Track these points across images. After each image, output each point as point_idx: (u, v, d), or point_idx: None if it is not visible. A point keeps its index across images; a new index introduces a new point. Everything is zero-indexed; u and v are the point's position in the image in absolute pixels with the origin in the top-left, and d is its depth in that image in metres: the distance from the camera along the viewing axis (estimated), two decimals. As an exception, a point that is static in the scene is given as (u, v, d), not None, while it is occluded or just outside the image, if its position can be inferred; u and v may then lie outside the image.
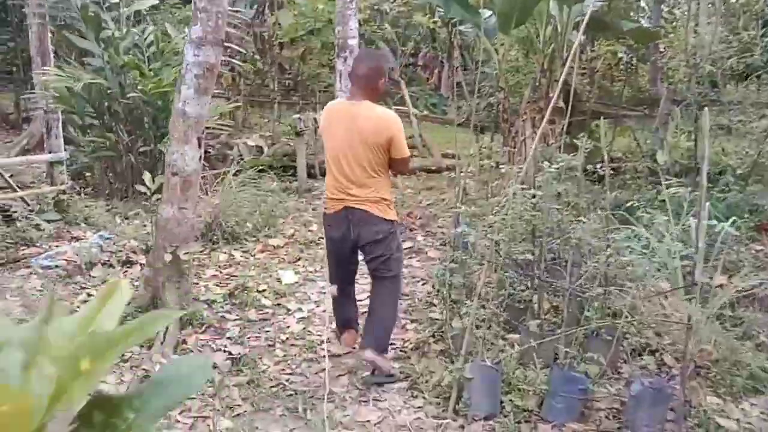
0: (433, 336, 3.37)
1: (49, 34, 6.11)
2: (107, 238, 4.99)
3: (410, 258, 4.97)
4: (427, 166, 8.89)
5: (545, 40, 6.74)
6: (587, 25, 6.51)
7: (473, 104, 9.31)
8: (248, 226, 5.54)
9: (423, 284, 4.41)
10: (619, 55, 10.63)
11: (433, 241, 5.37)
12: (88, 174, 6.85)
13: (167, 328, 3.16)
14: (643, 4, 12.49)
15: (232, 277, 4.42)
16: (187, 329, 3.47)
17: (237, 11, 7.40)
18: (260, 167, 7.91)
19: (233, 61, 7.21)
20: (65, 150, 6.28)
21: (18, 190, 5.64)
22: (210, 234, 5.18)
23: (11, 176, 5.81)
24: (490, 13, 6.80)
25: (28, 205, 5.61)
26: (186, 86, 3.29)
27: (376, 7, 10.12)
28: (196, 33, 3.24)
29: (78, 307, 3.50)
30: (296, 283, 4.35)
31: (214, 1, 3.18)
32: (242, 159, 7.78)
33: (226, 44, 8.32)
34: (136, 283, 3.79)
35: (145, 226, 5.28)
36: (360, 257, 3.19)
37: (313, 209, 6.63)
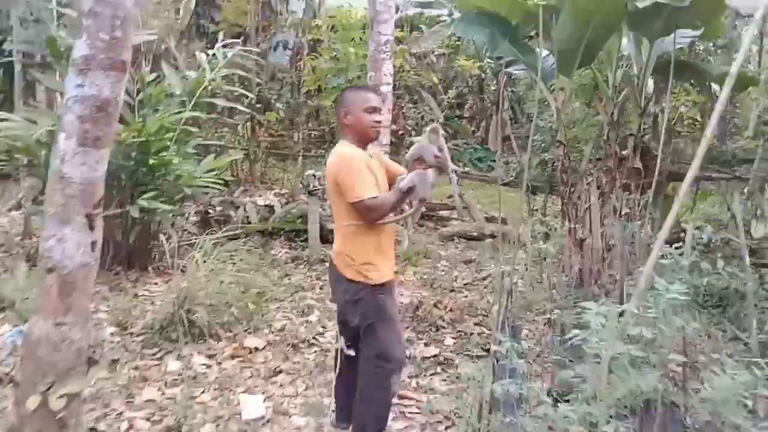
0: None
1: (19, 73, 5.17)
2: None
3: (433, 374, 3.58)
4: (467, 232, 7.52)
5: (615, 85, 5.40)
6: (667, 68, 5.13)
7: (525, 161, 8.00)
8: (229, 315, 4.29)
9: (448, 430, 2.98)
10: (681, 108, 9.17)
11: (467, 348, 3.96)
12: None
13: None
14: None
15: (176, 404, 3.12)
16: None
17: (249, 50, 6.37)
18: (270, 230, 6.76)
19: (241, 108, 6.13)
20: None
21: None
22: (167, 330, 3.93)
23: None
24: (547, 52, 5.53)
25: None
26: (65, 135, 2.10)
27: (413, 52, 9.05)
28: (80, 51, 2.07)
29: None
30: (261, 418, 3.01)
31: (108, 0, 2.01)
32: (248, 221, 6.63)
33: (230, 88, 7.38)
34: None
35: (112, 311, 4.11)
36: None
37: (320, 287, 5.35)
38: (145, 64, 6.47)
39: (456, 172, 7.50)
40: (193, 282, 4.26)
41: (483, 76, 10.91)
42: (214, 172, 5.68)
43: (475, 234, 7.44)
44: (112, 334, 4.08)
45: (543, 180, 7.66)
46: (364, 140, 2.61)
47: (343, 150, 2.55)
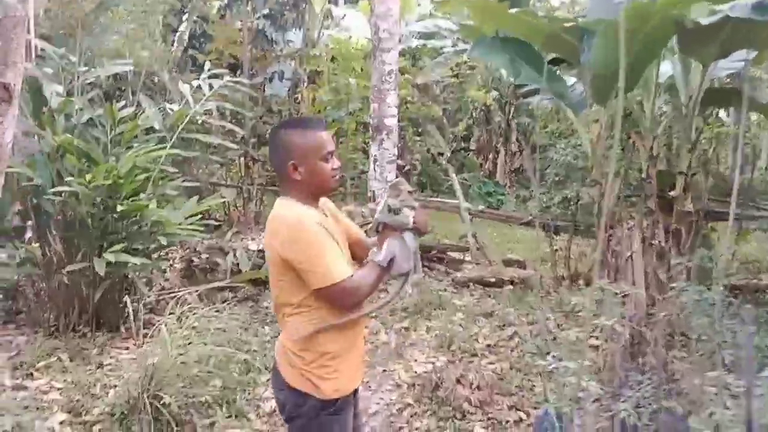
0: None
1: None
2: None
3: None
4: (483, 278, 6.77)
5: (654, 115, 4.73)
6: (710, 97, 4.44)
7: (543, 198, 7.30)
8: (207, 393, 3.53)
9: None
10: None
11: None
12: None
13: None
14: None
15: None
16: None
17: (237, 82, 5.73)
18: (264, 278, 6.01)
19: (229, 144, 5.46)
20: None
21: None
22: (129, 419, 3.16)
23: None
24: (575, 79, 4.88)
25: None
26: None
27: (417, 83, 8.44)
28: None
29: None
30: None
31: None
32: (238, 269, 5.90)
33: (218, 122, 6.72)
34: None
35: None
36: None
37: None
38: (131, 97, 5.85)
39: (469, 210, 6.71)
40: (164, 355, 3.51)
41: (492, 106, 10.29)
42: (197, 217, 4.96)
43: (492, 280, 6.68)
44: (61, 423, 3.32)
45: (568, 218, 6.95)
46: (318, 195, 1.99)
47: (290, 214, 1.86)
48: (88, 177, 4.09)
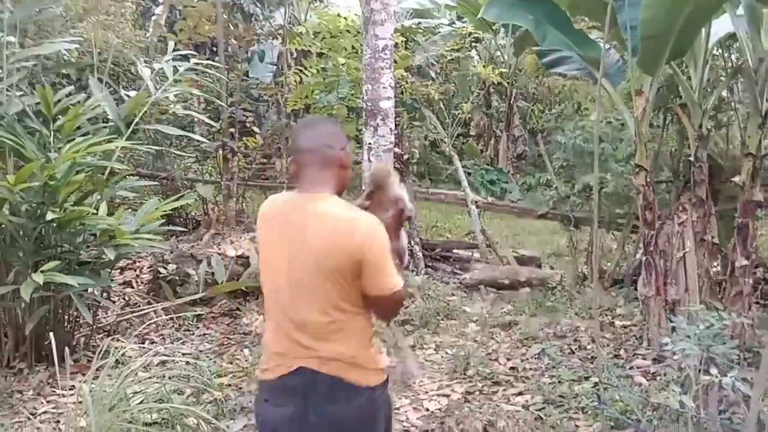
0: None
1: None
2: None
3: None
4: (495, 279, 5.97)
5: (701, 85, 3.92)
6: None
7: (561, 186, 6.49)
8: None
9: None
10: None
11: None
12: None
13: None
14: None
15: None
16: None
17: (208, 65, 4.89)
18: (244, 289, 5.20)
19: (194, 136, 4.62)
20: None
21: None
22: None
23: None
24: (608, 45, 4.05)
25: None
26: None
27: (411, 65, 7.58)
28: None
29: None
30: None
31: None
32: (214, 280, 5.06)
33: (187, 112, 5.86)
34: None
35: None
36: None
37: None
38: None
39: (476, 203, 6.14)
40: (103, 408, 2.70)
41: (500, 86, 9.41)
42: (158, 223, 4.13)
43: (506, 281, 5.88)
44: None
45: (587, 210, 6.14)
46: (343, 191, 1.85)
47: (362, 214, 1.74)
48: (10, 178, 3.26)
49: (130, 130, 4.28)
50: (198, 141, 5.19)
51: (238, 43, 7.25)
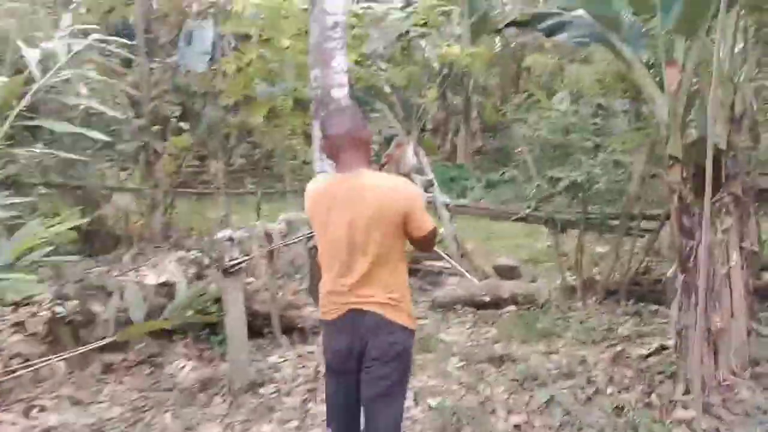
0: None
1: None
2: None
3: None
4: (474, 296, 5.13)
5: (733, 55, 3.16)
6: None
7: (542, 184, 5.68)
8: None
9: None
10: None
11: None
12: None
13: None
14: None
15: None
16: None
17: (114, 43, 3.82)
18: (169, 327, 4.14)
19: (88, 133, 3.54)
20: None
21: None
22: None
23: None
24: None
25: None
26: None
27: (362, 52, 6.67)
28: None
29: None
30: None
31: None
32: (128, 319, 3.98)
33: (86, 104, 4.71)
34: None
35: None
36: None
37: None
38: None
39: (448, 205, 5.23)
40: None
41: (455, 76, 8.61)
42: (43, 251, 3.05)
43: (487, 299, 5.04)
44: None
45: (571, 211, 5.37)
46: None
47: (404, 182, 2.34)
48: None
49: (6, 126, 3.20)
50: (93, 139, 4.07)
51: (164, 25, 6.12)
